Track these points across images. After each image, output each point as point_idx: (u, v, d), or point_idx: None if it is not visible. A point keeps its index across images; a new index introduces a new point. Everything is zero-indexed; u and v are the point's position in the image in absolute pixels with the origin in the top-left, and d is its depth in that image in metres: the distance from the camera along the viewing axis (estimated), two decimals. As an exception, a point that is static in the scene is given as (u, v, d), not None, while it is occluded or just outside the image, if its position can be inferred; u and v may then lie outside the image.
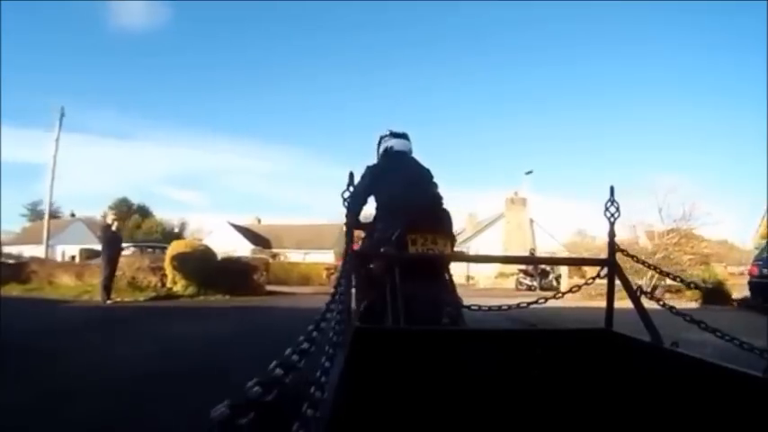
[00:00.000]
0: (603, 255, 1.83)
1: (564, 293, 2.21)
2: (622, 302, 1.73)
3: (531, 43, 58.23)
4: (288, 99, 64.64)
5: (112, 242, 9.77)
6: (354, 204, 2.19)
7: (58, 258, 23.96)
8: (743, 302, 9.39)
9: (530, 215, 32.74)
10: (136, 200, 45.66)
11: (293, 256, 29.81)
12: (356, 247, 2.85)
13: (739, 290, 12.12)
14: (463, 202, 66.63)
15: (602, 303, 1.79)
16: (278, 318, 7.39)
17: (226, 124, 68.09)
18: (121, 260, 11.31)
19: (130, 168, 67.82)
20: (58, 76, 54.74)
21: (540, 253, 23.26)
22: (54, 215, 43.36)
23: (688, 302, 11.48)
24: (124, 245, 11.47)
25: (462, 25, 59.17)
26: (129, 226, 39.97)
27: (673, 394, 1.35)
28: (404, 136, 3.13)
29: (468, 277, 28.81)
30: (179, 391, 3.05)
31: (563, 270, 18.61)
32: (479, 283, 23.07)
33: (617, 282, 1.75)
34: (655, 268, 2.48)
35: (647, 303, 1.72)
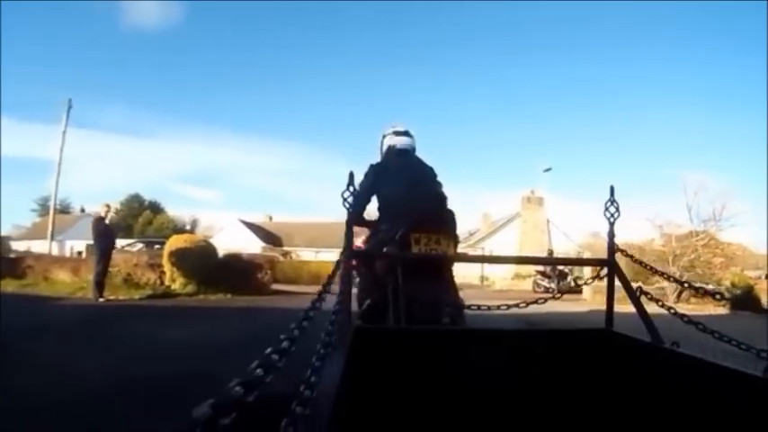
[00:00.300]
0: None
1: (562, 294, 2.22)
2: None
3: (552, 42, 57.65)
4: (301, 97, 64.79)
5: (105, 236, 9.05)
6: (358, 204, 2.33)
7: (67, 253, 23.52)
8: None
9: (546, 215, 31.59)
10: (148, 196, 45.40)
11: (305, 254, 29.03)
12: (363, 245, 3.01)
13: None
14: (478, 201, 66.17)
15: (627, 308, 1.75)
16: (280, 320, 6.51)
17: (240, 121, 68.02)
18: (118, 256, 10.59)
19: (144, 165, 68.40)
20: (73, 73, 54.97)
21: (557, 254, 22.19)
22: (64, 210, 43.57)
23: (716, 308, 10.61)
24: (131, 241, 10.71)
25: (474, 23, 58.45)
26: (140, 222, 39.67)
27: (673, 394, 1.33)
28: (407, 133, 3.07)
29: (483, 278, 27.89)
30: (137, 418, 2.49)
31: (586, 271, 17.56)
32: (495, 284, 22.13)
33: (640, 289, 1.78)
34: (654, 270, 2.40)
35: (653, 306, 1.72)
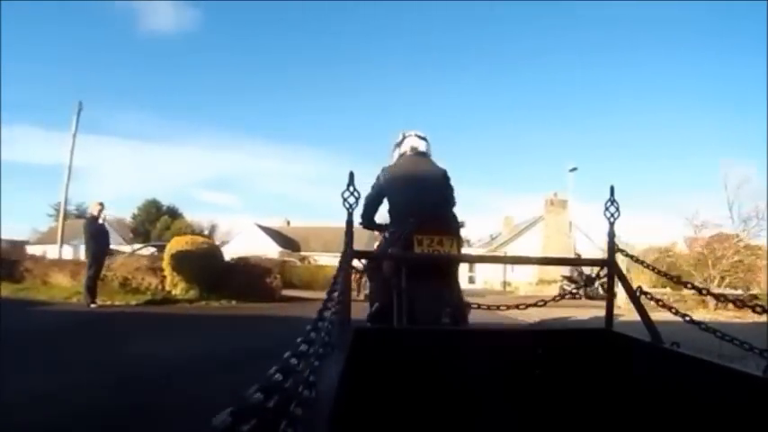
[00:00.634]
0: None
1: (562, 297, 2.26)
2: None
3: (579, 42, 56.23)
4: (320, 102, 64.65)
5: (98, 237, 8.27)
6: (368, 207, 2.95)
7: (82, 257, 23.17)
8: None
9: (570, 218, 30.22)
10: (166, 202, 45.33)
11: (322, 259, 28.17)
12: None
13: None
14: (499, 205, 65.54)
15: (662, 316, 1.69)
16: (284, 332, 5.53)
17: (259, 127, 68.18)
18: (118, 259, 9.80)
19: (164, 171, 69.18)
20: (93, 79, 55.79)
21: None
22: (81, 215, 43.60)
23: (758, 316, 9.29)
24: (141, 246, 9.94)
25: (488, 28, 58.43)
26: (158, 227, 39.43)
27: (673, 394, 1.32)
28: (420, 137, 3.08)
29: (506, 284, 26.74)
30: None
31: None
32: (519, 289, 20.89)
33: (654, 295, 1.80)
34: (654, 269, 2.42)
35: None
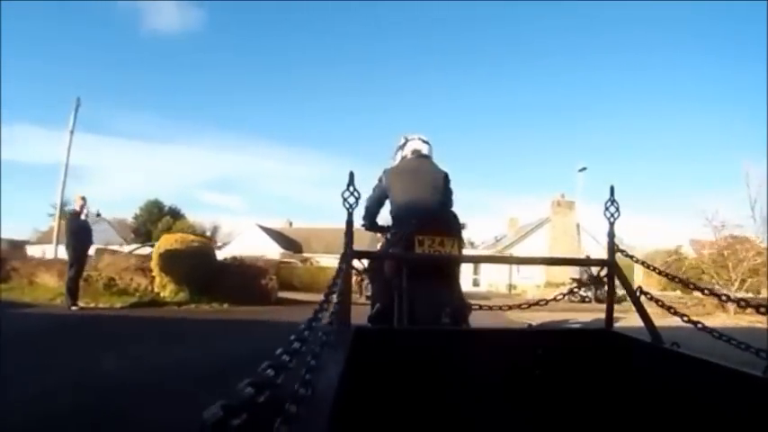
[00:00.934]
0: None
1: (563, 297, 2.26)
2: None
3: (590, 43, 54.46)
4: (324, 104, 64.47)
5: (80, 234, 7.66)
6: (371, 207, 3.01)
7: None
8: None
9: (577, 220, 29.54)
10: (169, 202, 45.08)
11: (324, 260, 27.55)
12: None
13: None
14: (503, 206, 65.13)
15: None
16: (276, 339, 4.89)
17: (262, 128, 67.63)
18: (107, 258, 9.24)
19: (167, 172, 68.99)
20: (96, 79, 55.34)
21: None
22: None
23: None
24: (137, 246, 9.38)
25: (490, 32, 57.10)
26: (160, 228, 38.94)
27: (673, 394, 1.33)
28: (422, 140, 3.11)
29: (511, 286, 26.04)
30: None
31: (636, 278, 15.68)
32: (527, 293, 20.20)
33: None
34: (655, 269, 2.38)
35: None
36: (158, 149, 69.19)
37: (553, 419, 1.52)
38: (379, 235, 3.51)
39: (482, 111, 59.70)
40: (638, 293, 1.70)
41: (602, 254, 1.92)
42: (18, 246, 23.27)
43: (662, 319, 1.63)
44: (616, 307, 1.81)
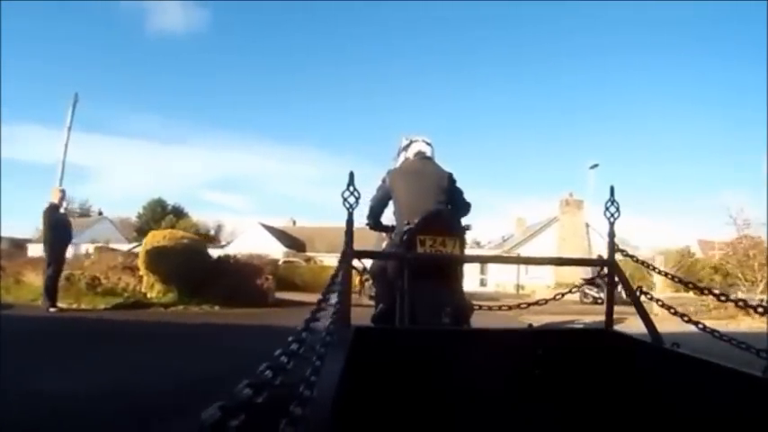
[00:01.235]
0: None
1: (550, 299, 2.18)
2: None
3: (599, 42, 54.23)
4: (327, 105, 64.33)
5: (59, 229, 7.01)
6: (375, 207, 3.05)
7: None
8: None
9: (586, 219, 28.74)
10: (172, 201, 44.93)
11: (328, 259, 26.93)
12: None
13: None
14: (508, 206, 64.57)
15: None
16: (267, 348, 4.15)
17: (266, 128, 67.47)
18: (93, 256, 8.59)
19: (171, 171, 68.88)
20: (100, 79, 55.60)
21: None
22: (84, 214, 43.10)
23: None
24: (135, 245, 8.69)
25: (489, 32, 56.59)
26: (162, 227, 38.48)
27: (673, 394, 1.34)
28: (425, 142, 3.17)
29: (519, 287, 25.29)
30: None
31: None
32: (536, 293, 19.44)
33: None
34: (655, 269, 2.47)
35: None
36: (162, 149, 69.55)
37: (553, 419, 1.51)
38: (384, 235, 3.51)
39: (486, 111, 59.82)
40: (638, 293, 1.70)
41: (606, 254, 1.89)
42: (19, 244, 22.80)
43: (681, 325, 1.63)
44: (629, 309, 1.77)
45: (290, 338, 0.79)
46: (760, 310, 1.56)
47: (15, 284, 9.29)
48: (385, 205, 3.05)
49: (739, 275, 11.66)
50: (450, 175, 3.02)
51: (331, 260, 26.57)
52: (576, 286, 2.25)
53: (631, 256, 2.09)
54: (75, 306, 7.44)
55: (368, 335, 1.49)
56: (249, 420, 0.50)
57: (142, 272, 8.12)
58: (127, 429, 2.29)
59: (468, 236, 3.18)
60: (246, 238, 32.31)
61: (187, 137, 72.27)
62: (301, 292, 13.50)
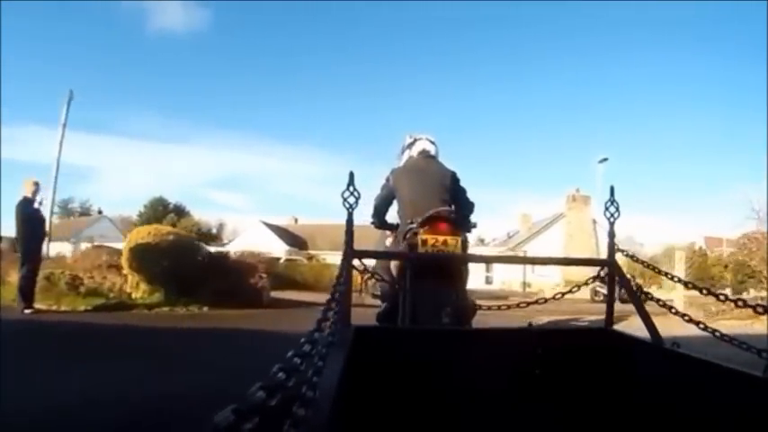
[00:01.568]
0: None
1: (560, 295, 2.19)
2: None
3: (605, 40, 54.68)
4: (330, 104, 64.09)
5: (32, 223, 6.44)
6: (380, 206, 3.07)
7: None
8: None
9: (593, 215, 28.06)
10: (173, 200, 44.28)
11: (330, 257, 26.38)
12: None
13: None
14: (512, 203, 64.02)
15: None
16: (250, 369, 3.25)
17: (268, 127, 68.27)
18: (76, 253, 8.02)
19: (173, 171, 68.93)
20: (101, 79, 55.20)
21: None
22: (84, 213, 42.83)
23: None
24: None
25: (489, 32, 56.47)
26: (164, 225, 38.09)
27: (673, 394, 1.35)
28: (428, 140, 3.18)
29: (525, 284, 24.67)
30: None
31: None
32: (544, 292, 18.82)
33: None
34: (653, 268, 2.42)
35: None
36: (164, 148, 69.65)
37: (553, 419, 1.51)
38: (386, 233, 3.45)
39: (488, 109, 60.28)
40: (638, 293, 1.72)
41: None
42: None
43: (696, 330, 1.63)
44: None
45: (302, 340, 0.79)
46: (760, 309, 1.48)
47: (2, 285, 8.77)
48: (389, 204, 3.07)
49: (765, 272, 11.07)
50: (453, 174, 3.04)
51: (333, 258, 26.06)
52: (577, 285, 2.16)
53: (631, 256, 2.08)
54: (54, 307, 6.96)
55: (368, 335, 1.50)
56: (262, 423, 0.50)
57: (126, 271, 7.57)
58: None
59: (472, 233, 3.25)
60: (248, 237, 31.99)
61: (189, 136, 72.53)
62: (302, 291, 13.02)
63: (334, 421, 0.77)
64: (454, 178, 3.02)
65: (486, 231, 37.29)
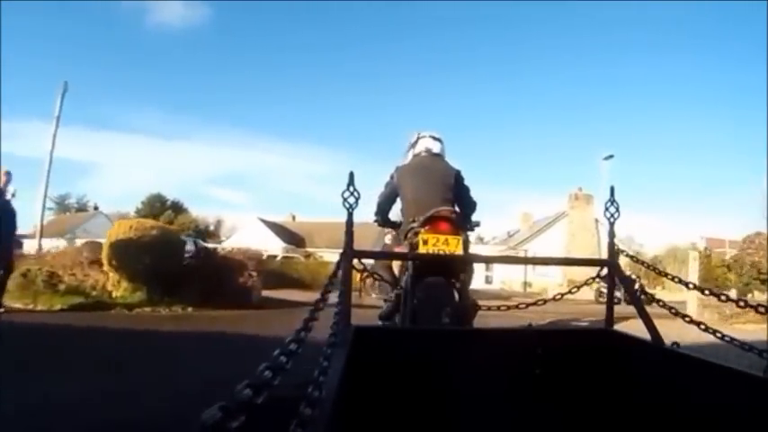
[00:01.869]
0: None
1: (562, 295, 2.17)
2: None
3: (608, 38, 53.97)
4: (330, 101, 64.03)
5: (3, 217, 5.98)
6: (383, 204, 3.05)
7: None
8: None
9: (595, 214, 27.63)
10: (172, 197, 44.10)
11: (328, 255, 25.92)
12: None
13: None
14: (511, 202, 63.71)
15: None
16: (227, 373, 2.65)
17: (268, 124, 69.11)
18: (55, 251, 7.69)
19: (172, 167, 68.44)
20: (102, 76, 55.92)
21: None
22: (81, 209, 42.45)
23: None
24: None
25: (490, 31, 56.65)
26: (161, 222, 37.67)
27: (673, 394, 1.34)
28: (434, 138, 3.16)
29: (526, 284, 24.26)
30: None
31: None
32: (547, 292, 18.41)
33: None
34: (654, 269, 2.45)
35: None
36: (164, 145, 69.40)
37: (554, 419, 1.51)
38: (385, 230, 3.49)
39: (488, 107, 60.64)
40: (639, 294, 1.73)
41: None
42: (16, 240, 22.05)
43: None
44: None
45: (288, 338, 0.78)
46: (761, 309, 1.45)
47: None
48: (392, 202, 3.07)
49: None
50: (458, 173, 3.02)
51: (331, 256, 25.64)
52: (576, 286, 2.08)
53: (631, 257, 2.12)
54: (31, 306, 6.67)
55: (367, 335, 1.49)
56: (254, 421, 0.50)
57: (106, 268, 7.14)
58: None
59: (474, 233, 3.26)
60: (245, 234, 31.54)
61: (189, 133, 72.16)
62: (298, 290, 12.60)
63: (334, 421, 0.77)
64: (458, 177, 3.00)
65: (486, 230, 36.93)
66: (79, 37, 56.86)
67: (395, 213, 3.16)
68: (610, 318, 1.75)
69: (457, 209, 2.93)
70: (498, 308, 2.22)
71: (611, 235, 1.80)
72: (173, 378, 3.22)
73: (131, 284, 7.09)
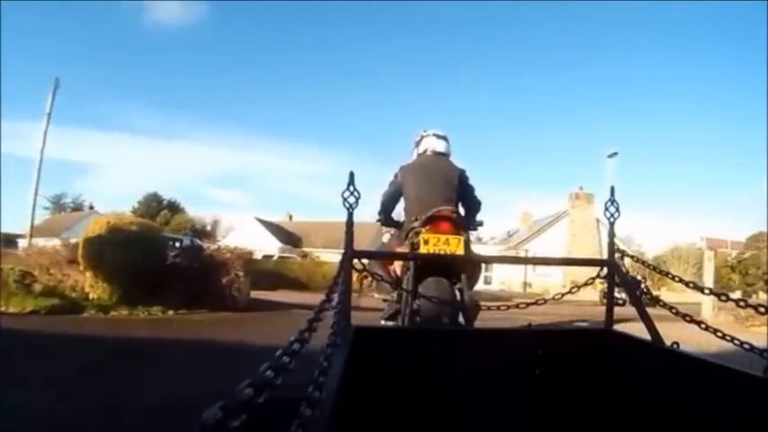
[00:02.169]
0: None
1: (562, 294, 2.14)
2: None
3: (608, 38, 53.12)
4: (329, 101, 63.36)
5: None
6: (387, 203, 3.06)
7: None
8: None
9: (596, 214, 27.29)
10: (169, 196, 43.97)
11: (325, 255, 25.53)
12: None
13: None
14: (510, 201, 63.53)
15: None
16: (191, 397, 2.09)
17: (265, 124, 68.93)
18: (32, 249, 7.30)
19: (173, 167, 68.57)
20: (100, 75, 55.78)
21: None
22: (77, 208, 42.16)
23: None
24: None
25: (486, 32, 55.84)
26: (158, 222, 37.42)
27: (673, 394, 1.34)
28: (440, 137, 3.14)
29: (526, 284, 23.88)
30: None
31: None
32: (549, 292, 18.01)
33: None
34: (654, 268, 2.38)
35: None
36: (163, 145, 68.96)
37: (553, 419, 1.51)
38: (384, 230, 3.47)
39: (487, 107, 60.38)
40: (638, 293, 1.73)
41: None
42: (10, 239, 21.94)
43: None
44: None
45: (291, 338, 0.76)
46: (762, 309, 1.45)
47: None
48: (396, 201, 3.07)
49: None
50: (462, 172, 3.01)
51: (327, 256, 25.27)
52: (576, 286, 2.00)
53: (631, 256, 2.11)
54: (3, 308, 6.16)
55: (367, 335, 1.50)
56: (254, 421, 0.50)
57: (82, 267, 6.70)
58: None
59: (473, 232, 3.27)
60: (241, 234, 31.16)
61: (187, 132, 71.67)
62: (292, 291, 12.20)
63: (334, 421, 0.77)
64: (462, 176, 3.00)
65: (485, 230, 36.53)
66: (76, 36, 57.11)
67: (397, 213, 3.18)
68: (610, 318, 1.76)
69: (460, 208, 2.92)
70: (498, 307, 2.24)
71: (611, 235, 1.82)
72: (124, 399, 2.52)
73: (108, 285, 6.59)
